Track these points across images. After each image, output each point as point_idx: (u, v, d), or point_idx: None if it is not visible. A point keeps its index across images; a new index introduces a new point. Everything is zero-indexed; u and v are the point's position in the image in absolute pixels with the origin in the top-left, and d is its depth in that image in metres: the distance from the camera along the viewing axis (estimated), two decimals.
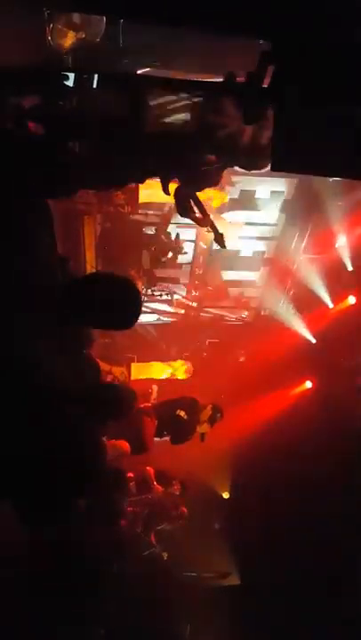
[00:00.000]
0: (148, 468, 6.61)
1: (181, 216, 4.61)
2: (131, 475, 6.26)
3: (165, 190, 4.18)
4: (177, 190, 4.26)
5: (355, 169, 2.70)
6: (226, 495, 9.51)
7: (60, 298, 2.44)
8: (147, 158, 3.84)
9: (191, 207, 4.44)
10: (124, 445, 4.98)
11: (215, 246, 8.30)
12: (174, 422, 5.79)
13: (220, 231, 4.90)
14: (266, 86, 2.89)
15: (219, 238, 4.89)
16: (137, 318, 2.69)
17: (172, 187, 4.20)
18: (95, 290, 2.55)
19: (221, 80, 3.52)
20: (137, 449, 5.18)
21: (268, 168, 4.30)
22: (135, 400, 3.91)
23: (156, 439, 5.64)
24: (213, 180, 4.26)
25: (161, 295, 8.43)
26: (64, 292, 2.48)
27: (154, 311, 9.15)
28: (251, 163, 4.18)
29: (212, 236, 5.03)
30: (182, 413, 5.82)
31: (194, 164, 3.93)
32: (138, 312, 2.66)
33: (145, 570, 6.00)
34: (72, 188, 3.87)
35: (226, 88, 3.56)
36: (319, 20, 2.44)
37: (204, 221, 4.71)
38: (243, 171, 4.29)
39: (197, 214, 4.52)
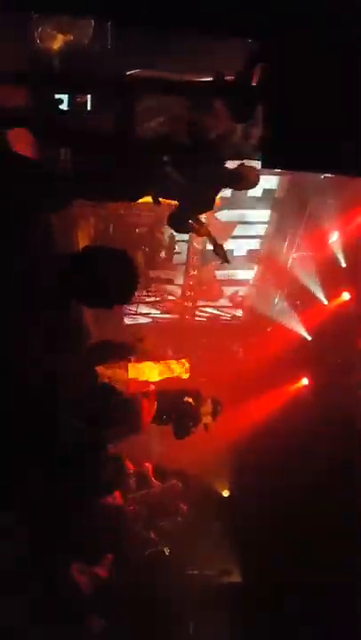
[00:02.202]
0: (146, 463, 6.63)
1: (177, 232, 4.67)
2: (131, 467, 6.26)
3: (155, 201, 4.24)
4: (171, 215, 4.31)
5: (345, 165, 2.73)
6: (225, 493, 9.52)
7: (60, 274, 2.49)
8: (138, 171, 3.87)
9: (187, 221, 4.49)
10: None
11: (209, 246, 8.37)
12: (180, 408, 5.64)
13: (220, 242, 4.92)
14: (255, 85, 2.92)
15: (219, 251, 4.89)
16: (135, 288, 2.84)
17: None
18: (94, 262, 2.62)
19: (211, 80, 3.56)
20: (130, 429, 5.12)
21: (256, 183, 4.36)
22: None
23: (156, 424, 5.55)
24: (208, 204, 4.30)
25: (155, 296, 8.43)
26: (64, 267, 2.53)
27: (149, 311, 9.16)
28: (239, 181, 4.23)
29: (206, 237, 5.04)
30: (190, 399, 5.70)
31: (182, 178, 3.96)
32: (136, 282, 2.80)
33: (147, 567, 6.01)
34: (60, 203, 3.88)
35: (215, 88, 3.59)
36: (308, 19, 2.47)
37: (202, 231, 4.74)
38: None
39: (194, 225, 4.57)
